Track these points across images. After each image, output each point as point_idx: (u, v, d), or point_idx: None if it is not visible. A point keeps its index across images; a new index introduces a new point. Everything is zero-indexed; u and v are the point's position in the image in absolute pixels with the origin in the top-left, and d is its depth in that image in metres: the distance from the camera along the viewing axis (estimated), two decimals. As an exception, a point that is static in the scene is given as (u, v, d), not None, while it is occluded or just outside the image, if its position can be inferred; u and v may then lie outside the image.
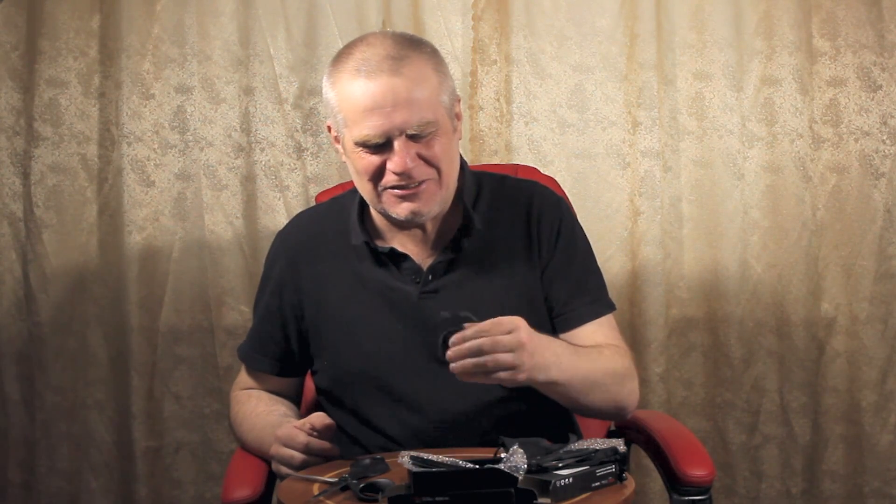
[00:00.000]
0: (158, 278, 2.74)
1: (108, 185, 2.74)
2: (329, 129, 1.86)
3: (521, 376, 1.65)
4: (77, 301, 2.75)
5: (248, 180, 2.73)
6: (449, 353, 1.63)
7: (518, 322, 1.65)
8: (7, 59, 2.72)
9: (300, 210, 2.68)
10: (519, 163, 2.65)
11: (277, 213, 2.72)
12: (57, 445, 2.77)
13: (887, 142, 2.70)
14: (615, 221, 2.70)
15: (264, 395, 1.98)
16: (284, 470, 1.76)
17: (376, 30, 2.67)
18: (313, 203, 2.35)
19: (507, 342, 1.62)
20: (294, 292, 1.94)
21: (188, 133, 2.73)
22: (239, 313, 2.73)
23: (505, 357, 1.62)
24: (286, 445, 1.76)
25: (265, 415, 1.92)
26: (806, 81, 2.69)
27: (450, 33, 2.70)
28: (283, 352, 1.97)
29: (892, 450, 2.74)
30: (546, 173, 2.34)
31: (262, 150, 2.72)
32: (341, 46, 2.64)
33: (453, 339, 1.63)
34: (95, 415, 2.77)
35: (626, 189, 2.71)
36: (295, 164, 2.72)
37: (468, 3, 2.70)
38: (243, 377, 2.03)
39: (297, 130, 2.72)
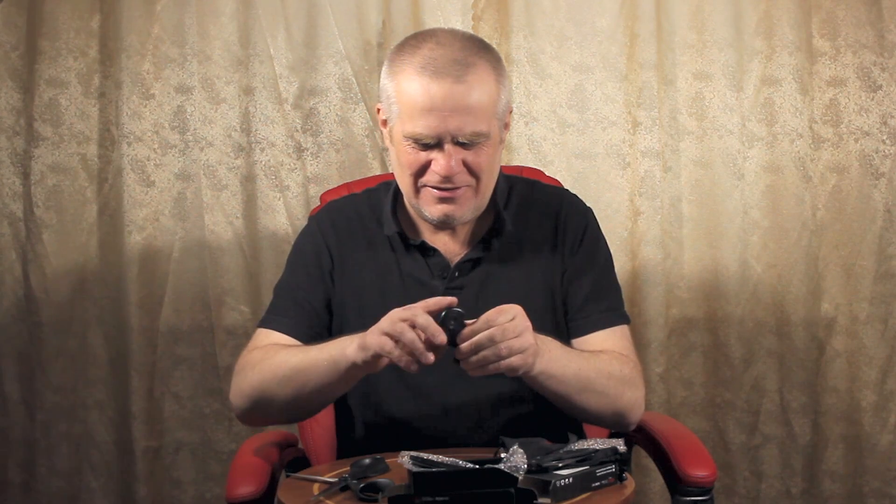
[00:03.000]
0: (158, 278, 2.74)
1: (108, 185, 2.74)
2: (379, 110, 1.87)
3: (531, 359, 1.67)
4: (77, 301, 2.75)
5: (248, 180, 2.73)
6: (462, 347, 1.64)
7: (518, 308, 1.67)
8: (7, 59, 2.72)
9: (300, 210, 2.69)
10: (519, 163, 2.65)
11: (277, 213, 2.72)
12: (57, 445, 2.77)
13: (887, 142, 2.70)
14: (615, 221, 2.70)
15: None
16: (388, 346, 1.64)
17: (376, 29, 2.68)
18: (313, 203, 2.35)
19: (514, 327, 1.64)
20: (329, 261, 1.93)
21: (188, 133, 2.72)
22: (239, 313, 2.73)
23: (515, 342, 1.64)
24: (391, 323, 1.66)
25: (318, 345, 1.80)
26: (806, 81, 2.69)
27: (450, 33, 2.70)
28: (318, 316, 1.91)
29: (892, 450, 2.73)
30: (546, 173, 2.34)
31: (262, 150, 2.72)
32: (341, 47, 2.70)
33: (462, 334, 1.64)
34: (95, 415, 2.76)
35: (626, 189, 2.70)
36: (295, 164, 2.72)
37: (468, 3, 2.70)
38: (262, 342, 1.89)
39: (297, 130, 2.72)
